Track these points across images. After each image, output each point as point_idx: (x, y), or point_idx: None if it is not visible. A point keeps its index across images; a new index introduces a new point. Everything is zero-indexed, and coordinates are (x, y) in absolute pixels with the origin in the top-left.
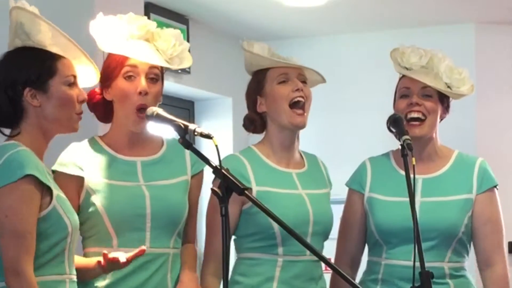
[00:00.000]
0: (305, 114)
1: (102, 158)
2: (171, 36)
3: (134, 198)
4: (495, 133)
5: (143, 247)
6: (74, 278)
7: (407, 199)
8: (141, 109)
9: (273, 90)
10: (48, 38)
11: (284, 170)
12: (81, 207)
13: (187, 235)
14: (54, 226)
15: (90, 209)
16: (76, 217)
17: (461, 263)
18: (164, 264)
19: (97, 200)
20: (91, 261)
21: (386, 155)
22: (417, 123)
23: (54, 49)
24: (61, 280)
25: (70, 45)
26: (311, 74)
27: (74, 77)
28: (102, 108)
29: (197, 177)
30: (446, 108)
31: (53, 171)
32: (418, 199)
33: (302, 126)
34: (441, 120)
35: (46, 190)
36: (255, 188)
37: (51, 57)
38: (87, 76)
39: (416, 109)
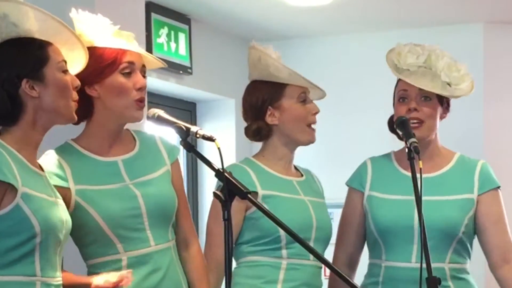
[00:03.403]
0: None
1: (83, 163)
2: (131, 37)
3: (126, 200)
4: (503, 133)
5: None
6: (51, 281)
7: (408, 197)
8: (141, 101)
9: (292, 108)
10: (36, 25)
11: (286, 177)
12: (72, 217)
13: (185, 231)
14: (18, 226)
15: (86, 220)
16: (52, 216)
17: (463, 265)
18: (172, 259)
19: (91, 209)
20: (83, 280)
21: (388, 155)
22: (416, 124)
23: (42, 36)
24: (29, 282)
25: (61, 28)
26: (314, 90)
27: (65, 62)
28: (83, 107)
29: (175, 164)
30: (446, 108)
31: None
32: None
33: (314, 141)
34: (441, 119)
35: (10, 188)
36: (261, 192)
37: (41, 45)
38: (75, 62)
39: (414, 115)
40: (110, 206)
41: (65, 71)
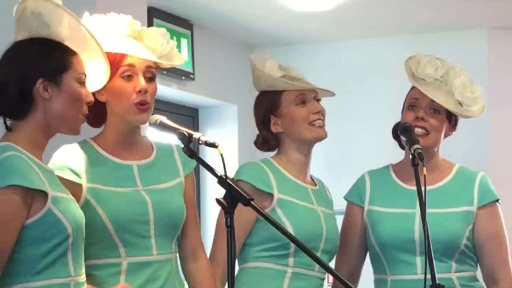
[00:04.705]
0: (324, 126)
1: (98, 162)
2: (158, 34)
3: (136, 205)
4: (509, 141)
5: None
6: (81, 279)
7: (408, 210)
8: (142, 104)
9: (291, 112)
10: (68, 31)
11: (302, 184)
12: None
13: (194, 244)
14: (52, 229)
15: (93, 218)
16: (77, 214)
17: (471, 273)
18: (171, 271)
19: (99, 209)
20: None
21: (386, 168)
22: (421, 133)
23: (70, 44)
24: (65, 283)
25: (90, 41)
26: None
27: (85, 76)
28: (93, 112)
29: (189, 177)
30: (453, 126)
31: None
32: (418, 210)
33: (324, 137)
34: (446, 136)
35: (38, 194)
36: (277, 196)
37: (66, 51)
38: (96, 78)
39: (420, 124)
40: (119, 209)
41: (82, 83)
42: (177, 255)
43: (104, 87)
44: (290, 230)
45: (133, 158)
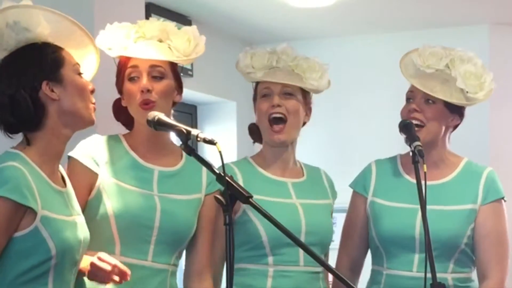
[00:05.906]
0: (285, 130)
1: (121, 158)
2: (186, 33)
3: (145, 208)
4: (509, 136)
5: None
6: None
7: (411, 205)
8: (145, 104)
9: (258, 105)
10: (48, 28)
11: (279, 179)
12: (89, 204)
13: (202, 263)
14: (35, 248)
15: (99, 210)
16: (70, 238)
17: (467, 274)
18: (163, 282)
19: (108, 202)
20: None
21: (394, 158)
22: (416, 128)
23: (54, 40)
24: None
25: (73, 28)
26: (314, 80)
27: (79, 66)
28: (124, 116)
29: (211, 196)
30: (459, 115)
31: (69, 157)
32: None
33: (279, 143)
34: (455, 126)
35: (29, 209)
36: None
37: (54, 48)
38: (87, 67)
39: (414, 116)
40: (127, 207)
41: (80, 74)
42: (176, 269)
43: (122, 92)
44: (261, 230)
45: (158, 163)
